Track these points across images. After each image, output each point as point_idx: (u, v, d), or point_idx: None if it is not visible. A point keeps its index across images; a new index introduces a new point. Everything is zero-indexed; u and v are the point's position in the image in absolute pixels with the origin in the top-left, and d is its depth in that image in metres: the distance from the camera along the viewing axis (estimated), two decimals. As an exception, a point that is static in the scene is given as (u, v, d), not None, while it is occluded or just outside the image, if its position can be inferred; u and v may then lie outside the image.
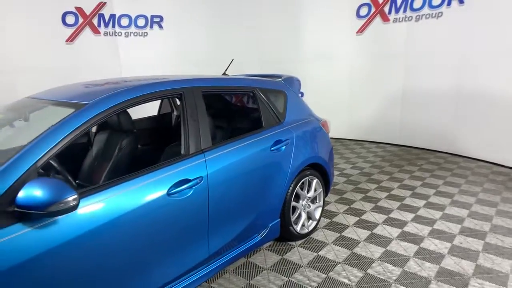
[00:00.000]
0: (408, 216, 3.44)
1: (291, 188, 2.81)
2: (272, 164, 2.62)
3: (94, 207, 1.63)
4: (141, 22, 6.51)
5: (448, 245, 2.89)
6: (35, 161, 1.55)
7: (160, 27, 6.68)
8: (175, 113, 3.53)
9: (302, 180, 2.94)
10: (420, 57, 5.66)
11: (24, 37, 5.39)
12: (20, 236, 1.44)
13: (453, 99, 5.38)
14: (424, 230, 3.15)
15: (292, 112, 2.96)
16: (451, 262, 2.65)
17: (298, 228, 2.97)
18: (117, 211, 1.70)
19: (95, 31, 6.12)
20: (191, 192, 2.02)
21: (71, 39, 5.90)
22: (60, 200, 1.42)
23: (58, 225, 1.53)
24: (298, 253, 2.85)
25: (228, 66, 3.40)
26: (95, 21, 6.08)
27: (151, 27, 6.62)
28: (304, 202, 3.02)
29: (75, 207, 1.46)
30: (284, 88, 3.02)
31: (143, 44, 6.57)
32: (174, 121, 3.52)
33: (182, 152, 2.14)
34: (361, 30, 6.26)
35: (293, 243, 3.01)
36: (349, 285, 2.43)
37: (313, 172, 3.04)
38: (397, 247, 2.89)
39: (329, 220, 3.40)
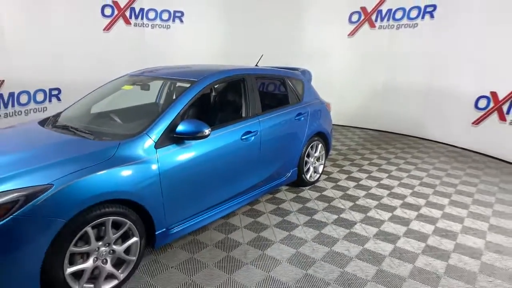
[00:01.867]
0: (384, 175, 4.76)
1: (305, 147, 4.05)
2: (295, 128, 3.86)
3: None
4: (165, 16, 7.55)
5: (410, 191, 4.22)
6: (179, 111, 2.72)
7: (181, 21, 7.75)
8: (213, 93, 4.69)
9: (312, 144, 4.18)
10: (398, 58, 6.99)
11: (71, 25, 6.32)
12: (174, 150, 2.61)
13: (422, 93, 6.75)
14: (394, 183, 4.48)
15: (307, 95, 4.20)
16: (411, 200, 3.97)
17: (308, 176, 4.22)
18: (219, 143, 2.90)
19: (127, 22, 7.13)
20: (252, 139, 3.24)
21: (107, 28, 6.89)
22: (202, 131, 2.60)
23: (193, 146, 2.71)
24: (308, 193, 4.11)
25: (259, 60, 4.57)
26: (127, 13, 7.09)
27: (173, 21, 7.68)
28: (312, 159, 4.27)
29: (208, 135, 2.64)
30: (302, 77, 4.26)
31: (166, 35, 7.62)
32: (213, 99, 4.68)
33: (243, 115, 3.33)
34: (352, 33, 7.54)
35: (303, 188, 4.26)
36: (343, 209, 3.71)
37: (319, 138, 4.30)
38: (376, 192, 4.19)
39: (327, 176, 4.68)
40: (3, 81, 5.32)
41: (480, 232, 3.29)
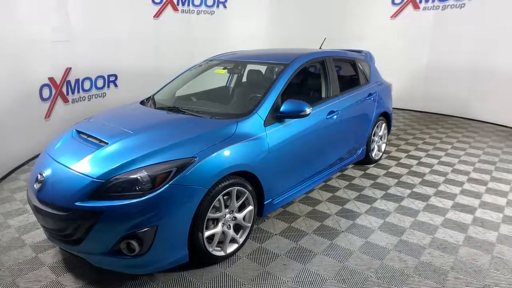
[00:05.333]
0: (441, 153, 4.93)
1: (372, 127, 4.25)
2: (367, 108, 4.06)
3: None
4: (209, 1, 7.71)
5: (471, 167, 4.40)
6: (279, 92, 2.94)
7: (224, 6, 7.91)
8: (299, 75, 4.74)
9: (377, 123, 4.37)
10: (443, 39, 7.02)
11: (124, 13, 6.53)
12: (278, 128, 2.85)
13: (467, 73, 6.79)
14: (454, 160, 4.65)
15: (374, 76, 4.37)
16: (475, 175, 4.15)
17: (373, 155, 4.43)
18: (311, 121, 3.13)
19: (175, 9, 7.32)
20: (334, 118, 3.45)
21: (157, 15, 7.10)
22: (304, 110, 2.82)
23: (291, 124, 2.94)
24: (375, 170, 4.33)
25: (322, 43, 4.75)
26: (175, 0, 7.28)
27: (217, 6, 7.84)
28: (377, 138, 4.47)
29: (309, 114, 2.86)
30: (368, 59, 4.42)
31: (211, 21, 7.80)
32: (298, 81, 4.69)
33: (326, 95, 3.54)
34: (395, 15, 7.58)
35: (368, 165, 4.47)
36: (414, 184, 3.92)
37: (383, 118, 4.48)
38: (439, 168, 4.38)
39: (387, 155, 4.87)
40: (70, 68, 5.61)
41: (551, 204, 3.47)
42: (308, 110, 2.84)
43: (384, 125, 4.53)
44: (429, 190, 3.75)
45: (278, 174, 2.87)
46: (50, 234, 2.37)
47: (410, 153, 4.93)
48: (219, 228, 2.48)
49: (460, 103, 7.05)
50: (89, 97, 6.13)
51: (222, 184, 2.38)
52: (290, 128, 2.95)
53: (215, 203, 2.37)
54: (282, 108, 2.82)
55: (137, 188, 2.11)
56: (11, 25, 4.31)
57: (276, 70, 3.24)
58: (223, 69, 3.65)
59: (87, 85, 6.08)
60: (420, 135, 5.87)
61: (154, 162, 2.20)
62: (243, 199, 2.60)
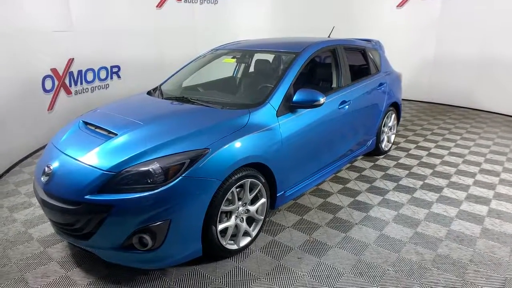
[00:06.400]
0: (451, 144, 4.85)
1: (382, 117, 4.16)
2: (377, 98, 3.97)
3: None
4: (213, -9, 7.57)
5: (483, 158, 4.32)
6: (291, 81, 2.85)
7: (227, -4, 7.78)
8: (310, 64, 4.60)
9: (387, 113, 4.29)
10: (450, 28, 6.89)
11: (126, 2, 6.40)
12: (291, 118, 2.77)
13: (475, 63, 6.67)
14: (464, 151, 4.57)
15: (384, 65, 4.27)
16: (487, 166, 4.08)
17: (383, 145, 4.35)
18: (323, 111, 3.03)
19: (178, -2, 7.18)
20: (346, 108, 3.37)
21: (160, 4, 6.96)
22: (318, 99, 2.73)
23: (303, 114, 2.86)
24: (384, 162, 4.25)
25: (331, 32, 4.64)
26: (178, -11, 7.13)
27: (221, -4, 7.70)
28: (387, 129, 4.39)
29: (322, 104, 2.78)
30: (378, 47, 4.32)
31: (214, 11, 7.67)
32: (309, 69, 4.56)
33: (338, 85, 3.45)
34: (401, 4, 7.44)
35: (377, 157, 4.39)
36: (425, 175, 3.85)
37: (393, 108, 4.40)
38: (450, 159, 4.30)
39: (396, 146, 4.80)
40: (73, 59, 5.50)
41: None
42: (322, 100, 2.75)
43: (393, 115, 4.45)
44: (442, 182, 3.69)
45: (290, 165, 2.80)
46: (58, 228, 2.30)
47: (419, 144, 4.86)
48: (232, 221, 2.42)
49: (467, 94, 6.95)
50: (92, 88, 6.02)
51: (236, 176, 2.30)
52: (303, 118, 2.87)
53: (228, 195, 2.30)
54: (295, 98, 2.73)
55: (149, 181, 2.04)
56: (12, 15, 4.20)
57: (288, 58, 3.14)
58: (232, 58, 3.55)
59: (90, 76, 5.96)
60: (428, 125, 5.79)
61: (166, 153, 2.12)
62: (256, 192, 2.53)
